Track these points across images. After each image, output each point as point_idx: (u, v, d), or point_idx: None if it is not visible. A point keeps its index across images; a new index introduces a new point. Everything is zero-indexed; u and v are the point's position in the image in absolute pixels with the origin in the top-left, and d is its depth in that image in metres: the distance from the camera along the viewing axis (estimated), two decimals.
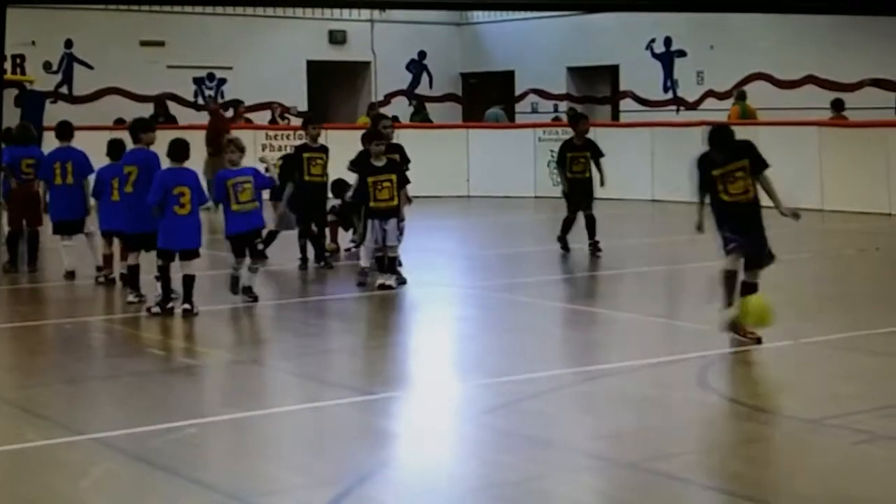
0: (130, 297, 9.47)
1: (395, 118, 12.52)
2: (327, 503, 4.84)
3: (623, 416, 6.18)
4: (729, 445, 5.68)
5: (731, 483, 5.10)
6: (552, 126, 20.61)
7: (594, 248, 12.31)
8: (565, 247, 12.43)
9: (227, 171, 9.42)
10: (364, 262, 10.42)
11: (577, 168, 12.38)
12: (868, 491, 5.08)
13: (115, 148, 10.63)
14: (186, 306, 8.95)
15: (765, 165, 7.82)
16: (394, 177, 10.16)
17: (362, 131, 12.07)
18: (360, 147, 11.01)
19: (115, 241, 10.36)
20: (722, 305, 7.61)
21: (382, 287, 10.07)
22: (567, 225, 12.46)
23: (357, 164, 11.12)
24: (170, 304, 9.01)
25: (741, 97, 20.12)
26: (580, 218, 12.37)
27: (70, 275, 10.81)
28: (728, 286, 7.61)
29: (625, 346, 8.09)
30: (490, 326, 9.05)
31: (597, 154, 12.48)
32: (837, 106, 17.89)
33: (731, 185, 7.69)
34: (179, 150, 9.19)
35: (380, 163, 10.20)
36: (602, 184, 12.47)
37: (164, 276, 9.04)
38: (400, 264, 10.35)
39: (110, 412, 6.49)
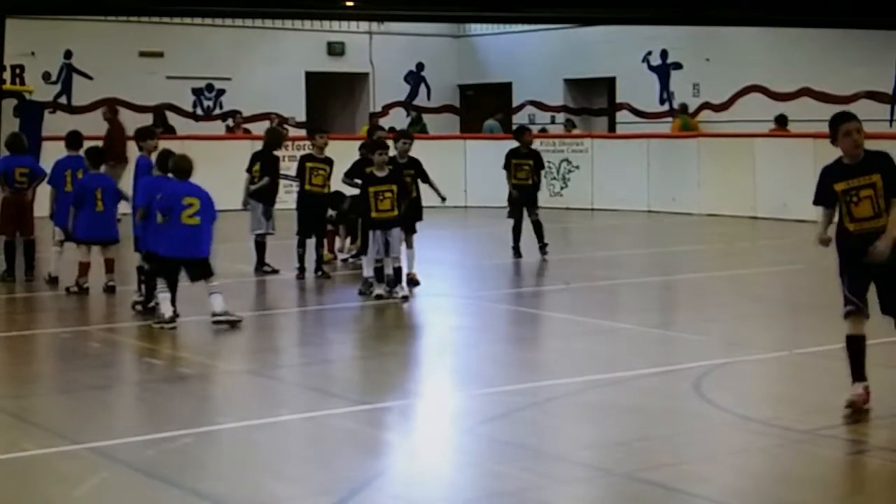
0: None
1: (392, 129, 12.61)
2: None
3: (618, 427, 6.19)
4: (724, 456, 5.69)
5: (726, 493, 5.10)
6: (549, 137, 20.67)
7: (543, 250, 12.93)
8: (519, 254, 12.98)
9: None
10: (367, 272, 10.43)
11: (520, 175, 13.08)
12: (863, 501, 5.09)
13: (94, 156, 10.74)
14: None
15: None
16: (395, 187, 10.12)
17: (360, 142, 12.15)
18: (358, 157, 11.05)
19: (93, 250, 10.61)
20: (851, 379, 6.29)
21: (381, 297, 10.04)
22: (516, 232, 13.05)
23: (353, 175, 11.13)
24: (152, 304, 9.14)
25: (682, 110, 20.45)
26: (528, 224, 12.96)
27: (53, 280, 10.92)
28: (851, 354, 6.26)
29: (620, 356, 8.10)
30: (487, 336, 9.06)
31: (538, 164, 13.23)
32: (781, 121, 18.40)
33: (854, 206, 6.16)
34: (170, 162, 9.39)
35: (382, 173, 10.15)
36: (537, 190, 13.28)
37: (149, 280, 9.26)
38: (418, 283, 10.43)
39: (106, 421, 6.49)
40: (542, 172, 13.47)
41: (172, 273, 8.94)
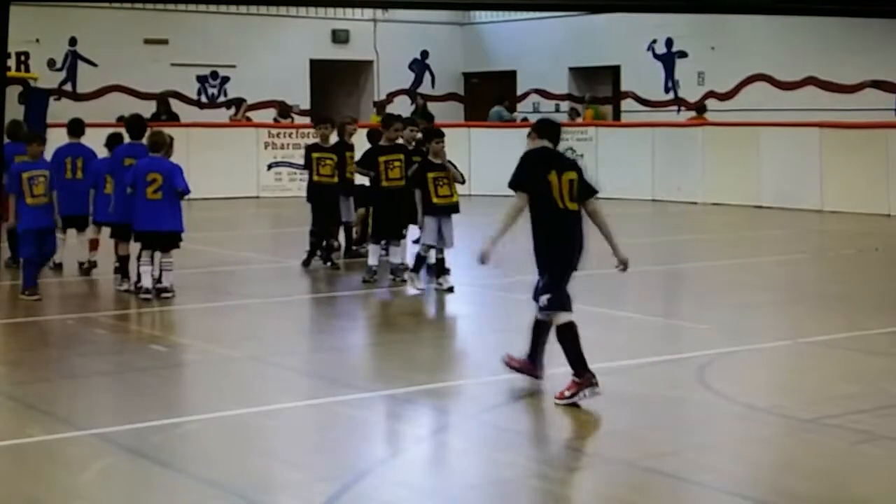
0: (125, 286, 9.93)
1: (399, 117, 12.58)
2: (326, 500, 4.87)
3: (622, 415, 6.21)
4: (727, 444, 5.71)
5: (729, 482, 5.12)
6: None
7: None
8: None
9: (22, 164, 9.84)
10: (372, 260, 10.40)
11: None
12: (867, 490, 5.10)
13: (114, 141, 10.83)
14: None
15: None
16: (448, 174, 9.94)
17: (366, 130, 12.14)
18: (367, 144, 11.02)
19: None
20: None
21: (422, 291, 9.86)
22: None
23: (364, 164, 11.08)
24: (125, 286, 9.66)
25: (593, 101, 20.59)
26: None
27: (58, 267, 10.97)
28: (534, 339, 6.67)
29: (624, 345, 8.11)
30: (491, 325, 9.08)
31: (406, 160, 13.34)
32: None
33: None
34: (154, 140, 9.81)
35: (437, 160, 9.92)
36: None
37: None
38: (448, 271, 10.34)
39: (111, 407, 6.52)
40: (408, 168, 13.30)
41: (148, 246, 9.56)
